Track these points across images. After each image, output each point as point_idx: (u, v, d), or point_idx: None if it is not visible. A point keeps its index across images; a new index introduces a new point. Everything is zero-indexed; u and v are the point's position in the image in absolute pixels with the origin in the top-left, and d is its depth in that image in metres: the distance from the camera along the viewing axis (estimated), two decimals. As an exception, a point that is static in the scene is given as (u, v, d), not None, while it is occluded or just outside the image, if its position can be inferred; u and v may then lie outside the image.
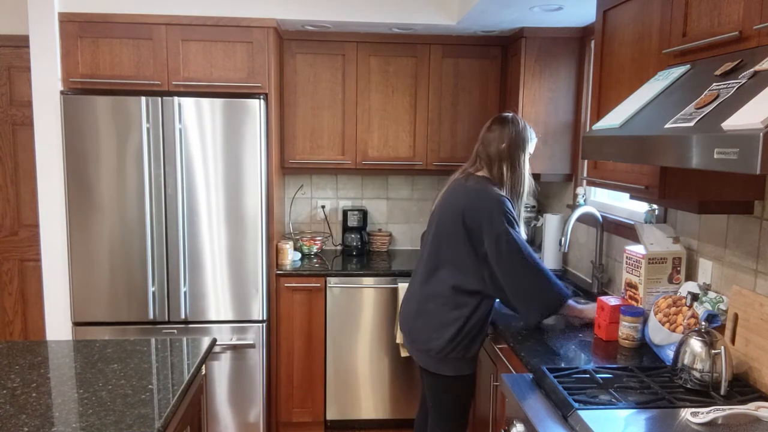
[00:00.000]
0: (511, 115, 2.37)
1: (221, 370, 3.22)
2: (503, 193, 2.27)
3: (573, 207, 3.08)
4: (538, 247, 3.70)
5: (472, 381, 2.42)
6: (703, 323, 1.72)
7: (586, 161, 2.97)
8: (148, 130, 3.04)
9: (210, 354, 2.54)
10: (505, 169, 2.30)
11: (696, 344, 1.71)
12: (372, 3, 3.19)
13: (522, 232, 2.25)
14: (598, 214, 2.86)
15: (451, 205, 2.31)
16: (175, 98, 3.04)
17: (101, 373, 1.86)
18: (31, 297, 3.72)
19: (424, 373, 2.42)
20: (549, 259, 3.38)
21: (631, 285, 2.23)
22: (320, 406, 3.43)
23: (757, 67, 1.30)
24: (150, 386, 1.77)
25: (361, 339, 3.39)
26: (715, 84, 1.41)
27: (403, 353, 3.32)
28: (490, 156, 2.33)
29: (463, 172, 2.40)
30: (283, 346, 3.38)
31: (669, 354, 1.90)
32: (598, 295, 2.83)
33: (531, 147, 2.37)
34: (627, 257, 2.24)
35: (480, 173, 2.35)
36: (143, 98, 3.02)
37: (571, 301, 2.31)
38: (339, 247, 3.94)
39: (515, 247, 2.19)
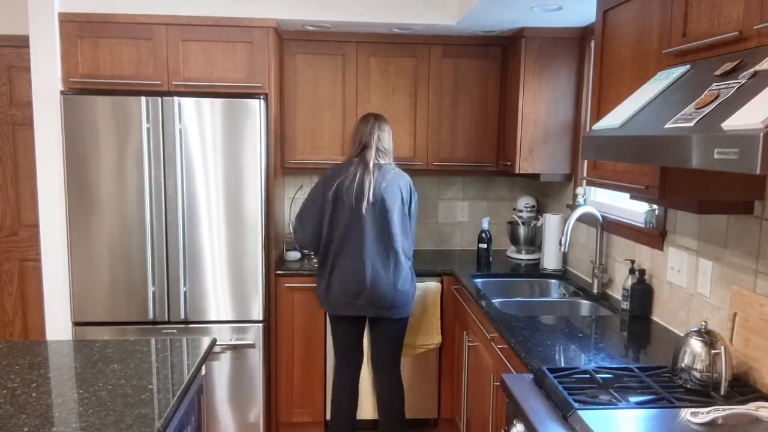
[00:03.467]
0: (378, 114, 3.03)
1: (221, 370, 3.22)
2: None
3: (573, 207, 3.08)
4: (538, 247, 3.71)
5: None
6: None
7: (586, 161, 2.97)
8: (148, 130, 3.05)
9: (210, 354, 2.54)
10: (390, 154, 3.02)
11: (696, 344, 1.71)
12: (372, 3, 3.19)
13: None
14: (598, 214, 2.86)
15: (392, 190, 2.91)
16: (175, 98, 3.04)
17: (101, 373, 1.86)
18: (31, 297, 3.72)
19: (387, 322, 2.99)
20: (550, 259, 3.38)
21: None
22: (320, 406, 3.43)
23: (757, 67, 1.30)
24: (150, 386, 1.77)
25: (361, 339, 3.39)
26: (715, 84, 1.41)
27: (404, 353, 3.32)
28: (387, 148, 2.99)
29: (375, 164, 2.96)
30: (283, 346, 3.38)
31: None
32: (599, 295, 2.83)
33: None
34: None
35: (383, 161, 2.97)
36: (143, 98, 3.02)
37: None
38: (339, 247, 3.94)
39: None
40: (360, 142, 2.97)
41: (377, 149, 2.94)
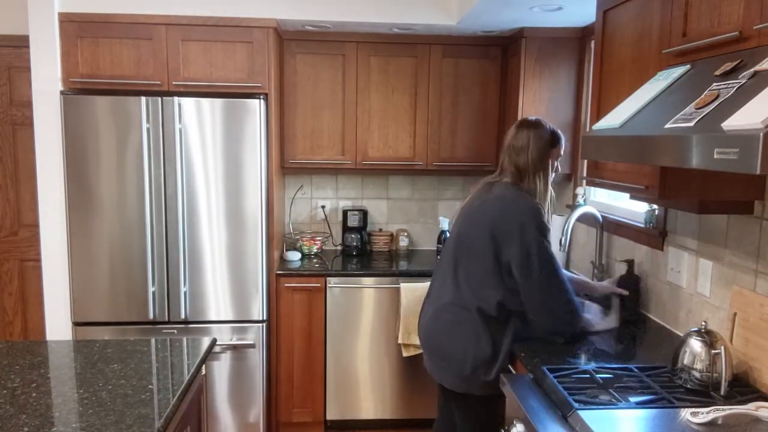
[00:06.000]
0: (537, 119, 2.24)
1: (221, 370, 3.22)
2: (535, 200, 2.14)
3: (573, 207, 3.07)
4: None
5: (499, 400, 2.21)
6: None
7: (586, 161, 2.97)
8: (148, 130, 3.04)
9: (210, 354, 2.54)
10: (537, 179, 2.18)
11: (696, 344, 1.71)
12: (372, 3, 3.18)
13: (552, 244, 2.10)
14: (598, 214, 2.86)
15: (476, 217, 2.17)
16: (175, 98, 3.04)
17: (101, 373, 1.86)
18: (31, 297, 3.72)
19: (451, 395, 2.27)
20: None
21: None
22: (320, 406, 3.43)
23: (757, 67, 1.30)
24: (150, 386, 1.77)
25: (361, 339, 3.39)
26: (715, 84, 1.41)
27: (405, 353, 3.32)
28: (518, 166, 2.19)
29: (488, 182, 2.27)
30: (283, 346, 3.38)
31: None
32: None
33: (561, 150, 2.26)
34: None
35: (506, 180, 2.21)
36: (143, 98, 3.02)
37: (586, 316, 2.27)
38: (339, 247, 3.94)
39: (547, 259, 2.04)
40: None
41: (501, 165, 2.27)
